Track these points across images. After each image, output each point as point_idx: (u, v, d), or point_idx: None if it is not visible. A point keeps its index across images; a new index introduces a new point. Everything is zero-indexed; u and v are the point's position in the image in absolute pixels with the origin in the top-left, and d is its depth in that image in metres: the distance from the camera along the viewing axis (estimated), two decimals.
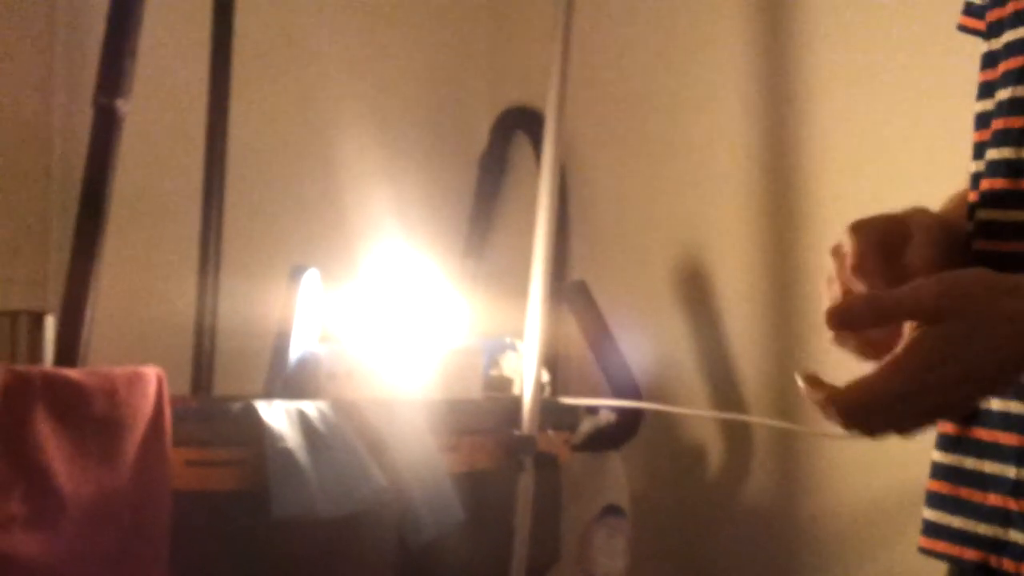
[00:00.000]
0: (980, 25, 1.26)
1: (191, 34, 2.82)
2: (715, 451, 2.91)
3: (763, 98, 2.86)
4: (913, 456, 2.64)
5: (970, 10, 1.28)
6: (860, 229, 1.09)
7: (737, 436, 2.88)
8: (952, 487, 1.14)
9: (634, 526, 2.84)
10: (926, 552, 1.16)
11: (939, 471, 1.16)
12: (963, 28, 1.29)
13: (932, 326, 0.95)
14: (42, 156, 2.72)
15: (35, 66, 2.72)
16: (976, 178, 1.17)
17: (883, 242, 1.09)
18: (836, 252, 1.09)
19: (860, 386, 0.98)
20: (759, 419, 2.79)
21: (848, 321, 1.00)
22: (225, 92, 2.81)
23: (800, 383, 1.03)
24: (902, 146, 2.59)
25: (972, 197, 1.17)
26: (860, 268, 1.06)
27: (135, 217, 2.69)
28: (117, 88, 2.35)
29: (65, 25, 2.75)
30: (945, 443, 1.15)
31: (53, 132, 2.73)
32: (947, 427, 1.15)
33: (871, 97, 2.65)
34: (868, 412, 0.99)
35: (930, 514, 1.16)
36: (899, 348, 0.96)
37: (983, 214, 1.12)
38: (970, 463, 1.12)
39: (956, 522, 1.13)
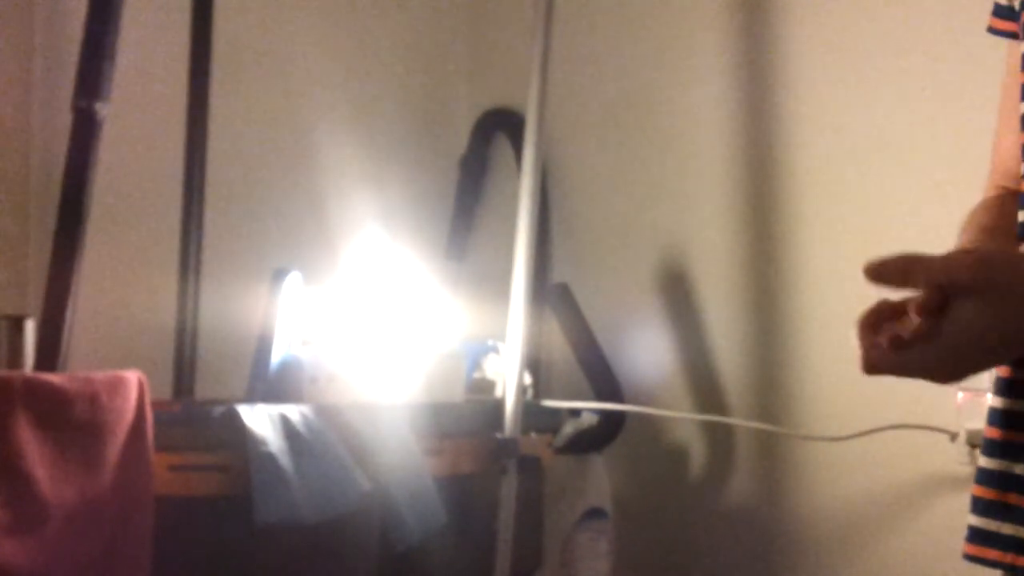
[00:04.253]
0: (1009, 27, 1.27)
1: (170, 36, 2.81)
2: (697, 453, 2.91)
3: (745, 99, 2.86)
4: (893, 459, 2.65)
5: (999, 12, 1.29)
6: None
7: (719, 438, 2.88)
8: (1000, 493, 1.12)
9: (617, 528, 2.84)
10: (973, 559, 1.15)
11: (986, 477, 1.14)
12: (993, 30, 1.30)
13: (957, 300, 0.98)
14: (21, 159, 2.70)
15: (14, 69, 2.70)
16: None
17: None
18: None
19: (897, 358, 1.02)
20: (741, 421, 2.79)
21: (881, 274, 1.02)
22: (205, 94, 2.80)
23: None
24: (885, 144, 2.60)
25: None
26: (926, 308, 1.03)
27: (115, 220, 2.67)
28: (96, 91, 2.34)
29: (44, 28, 2.73)
30: (992, 449, 1.14)
31: (32, 135, 2.71)
32: (994, 432, 1.14)
33: (854, 96, 2.65)
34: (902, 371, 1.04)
35: (977, 521, 1.14)
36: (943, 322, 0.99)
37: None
38: (1020, 469, 1.11)
39: (1007, 529, 1.11)
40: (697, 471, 2.92)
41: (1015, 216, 1.19)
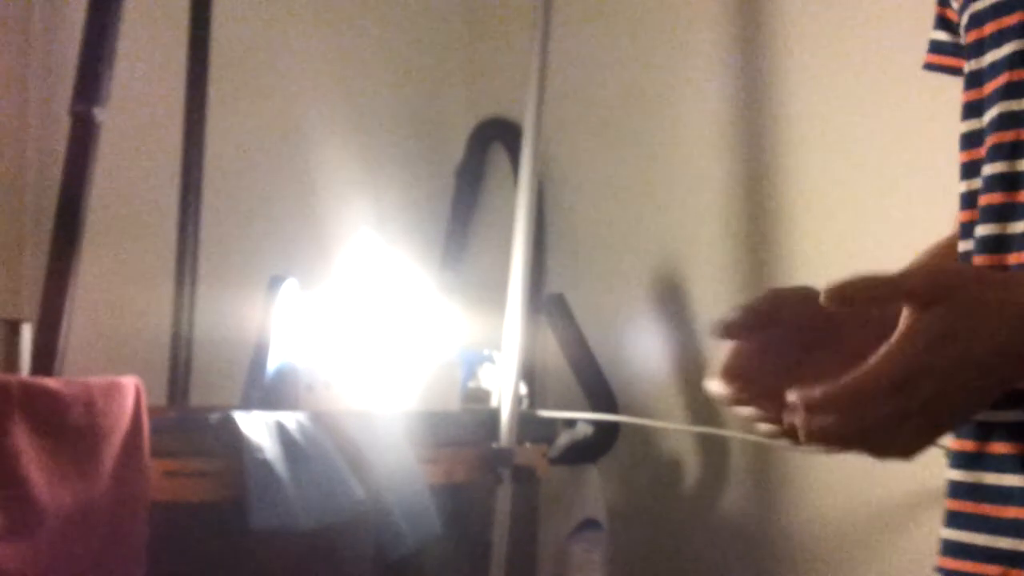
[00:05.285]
0: (948, 61, 1.28)
1: (168, 42, 2.81)
2: (692, 464, 2.91)
3: (743, 112, 2.86)
4: (886, 470, 2.64)
5: (938, 48, 1.29)
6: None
7: (714, 449, 2.88)
8: (974, 504, 1.13)
9: (611, 539, 2.84)
10: (948, 573, 1.15)
11: (958, 489, 1.15)
12: (930, 66, 1.31)
13: (925, 310, 0.95)
14: (18, 163, 2.69)
15: (11, 73, 2.70)
16: (969, 197, 1.17)
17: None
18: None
19: (854, 377, 0.93)
20: (736, 432, 2.79)
21: (847, 296, 0.98)
22: (202, 101, 2.80)
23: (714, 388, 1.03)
24: (883, 154, 2.60)
25: (965, 217, 1.17)
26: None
27: (112, 226, 2.67)
28: (94, 96, 2.34)
29: (42, 32, 2.73)
30: (962, 460, 1.14)
31: (29, 140, 2.70)
32: (965, 444, 1.14)
33: (851, 106, 2.66)
34: (865, 405, 0.93)
35: (950, 534, 1.15)
36: (893, 337, 0.94)
37: (983, 229, 1.13)
38: (990, 478, 1.11)
39: (980, 539, 1.12)
40: (692, 482, 2.92)
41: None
